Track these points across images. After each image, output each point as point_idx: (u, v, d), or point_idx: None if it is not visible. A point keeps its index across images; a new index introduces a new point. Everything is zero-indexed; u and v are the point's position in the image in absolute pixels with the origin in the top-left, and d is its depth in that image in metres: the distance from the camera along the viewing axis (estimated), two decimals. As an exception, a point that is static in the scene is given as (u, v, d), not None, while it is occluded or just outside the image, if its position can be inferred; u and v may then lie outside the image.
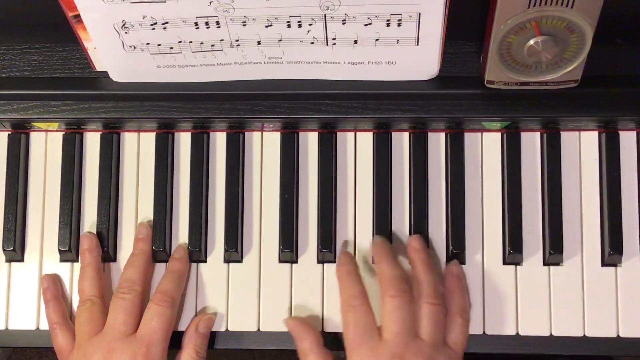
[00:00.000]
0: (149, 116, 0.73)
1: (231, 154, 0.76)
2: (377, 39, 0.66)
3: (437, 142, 0.76)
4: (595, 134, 0.75)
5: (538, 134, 0.75)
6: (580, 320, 0.73)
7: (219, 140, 0.77)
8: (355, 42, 0.67)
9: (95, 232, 0.76)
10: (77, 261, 0.76)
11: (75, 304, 0.75)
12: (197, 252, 0.75)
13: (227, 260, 0.75)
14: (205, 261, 0.75)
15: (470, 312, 0.72)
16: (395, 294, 0.67)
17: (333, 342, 0.73)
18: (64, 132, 0.77)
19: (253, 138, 0.77)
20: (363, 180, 0.76)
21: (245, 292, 0.75)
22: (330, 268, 0.74)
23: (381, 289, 0.69)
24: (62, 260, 0.76)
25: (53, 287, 0.75)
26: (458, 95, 0.71)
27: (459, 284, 0.72)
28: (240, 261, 0.75)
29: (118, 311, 0.71)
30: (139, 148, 0.77)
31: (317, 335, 0.71)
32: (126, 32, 0.66)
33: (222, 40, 0.67)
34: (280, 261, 0.75)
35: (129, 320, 0.70)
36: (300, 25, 0.65)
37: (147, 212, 0.76)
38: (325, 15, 0.64)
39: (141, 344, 0.69)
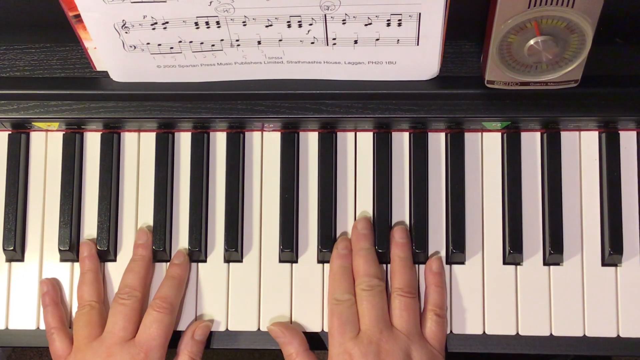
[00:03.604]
0: (149, 116, 0.73)
1: (231, 154, 0.76)
2: (378, 39, 0.66)
3: (437, 142, 0.76)
4: (595, 134, 0.75)
5: (538, 134, 0.75)
6: (580, 320, 0.73)
7: (219, 140, 0.77)
8: (356, 42, 0.67)
9: (95, 232, 0.76)
10: (77, 261, 0.76)
11: (74, 305, 0.75)
12: (197, 252, 0.75)
13: (227, 260, 0.75)
14: (205, 261, 0.76)
15: (447, 310, 0.73)
16: (366, 288, 0.70)
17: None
18: (64, 132, 0.77)
19: (253, 138, 0.77)
20: (363, 180, 0.76)
21: (245, 292, 0.75)
22: (330, 268, 0.74)
23: (355, 282, 0.72)
24: (62, 260, 0.76)
25: (52, 291, 0.75)
26: (458, 95, 0.71)
27: (436, 280, 0.72)
28: (241, 261, 0.75)
29: (118, 317, 0.71)
30: (139, 148, 0.77)
31: (302, 338, 0.72)
32: (126, 32, 0.66)
33: (222, 40, 0.67)
34: (281, 261, 0.75)
35: (129, 325, 0.71)
36: (300, 25, 0.65)
37: (148, 212, 0.76)
38: (325, 15, 0.64)
39: (140, 350, 0.69)
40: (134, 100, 0.73)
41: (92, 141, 0.77)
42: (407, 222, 0.75)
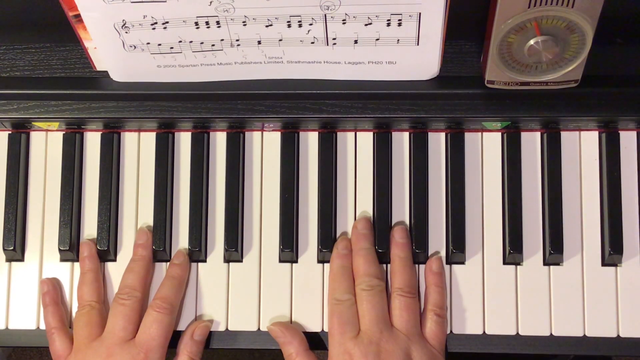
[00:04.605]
0: (149, 116, 0.73)
1: (231, 153, 0.76)
2: (378, 39, 0.66)
3: (437, 142, 0.76)
4: (596, 134, 0.75)
5: (538, 134, 0.75)
6: (580, 320, 0.73)
7: (219, 140, 0.77)
8: (356, 42, 0.67)
9: (95, 232, 0.76)
10: (77, 261, 0.76)
11: (74, 305, 0.75)
12: (197, 251, 0.75)
13: (227, 260, 0.75)
14: (205, 261, 0.76)
15: (447, 310, 0.73)
16: (366, 288, 0.70)
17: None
18: (64, 132, 0.77)
19: (253, 138, 0.77)
20: (363, 180, 0.76)
21: (245, 292, 0.75)
22: (330, 268, 0.74)
23: (355, 282, 0.72)
24: (62, 259, 0.76)
25: (52, 291, 0.75)
26: (458, 95, 0.71)
27: (436, 280, 0.72)
28: (241, 261, 0.75)
29: (118, 317, 0.71)
30: (139, 148, 0.77)
31: (302, 338, 0.72)
32: (126, 32, 0.66)
33: (222, 40, 0.67)
34: (281, 261, 0.75)
35: (129, 326, 0.71)
36: (300, 25, 0.65)
37: (148, 211, 0.76)
38: (325, 15, 0.64)
39: (140, 350, 0.69)
40: (134, 100, 0.73)
41: (92, 141, 0.77)
42: (407, 222, 0.75)
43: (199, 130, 0.76)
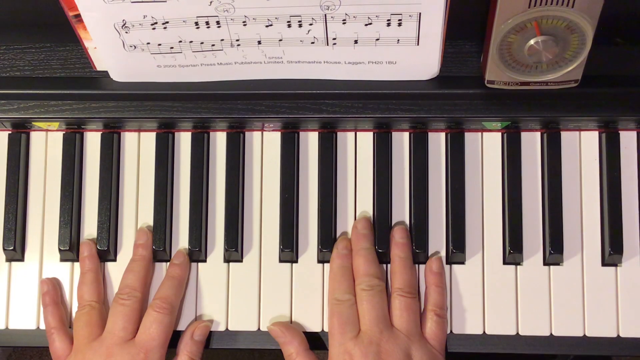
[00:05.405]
0: (149, 116, 0.73)
1: (231, 153, 0.76)
2: (378, 39, 0.66)
3: (437, 142, 0.76)
4: (596, 134, 0.75)
5: (538, 134, 0.75)
6: (580, 320, 0.73)
7: (219, 140, 0.77)
8: (356, 41, 0.67)
9: (95, 232, 0.76)
10: (77, 261, 0.76)
11: (74, 305, 0.75)
12: (197, 251, 0.75)
13: (227, 260, 0.75)
14: (205, 261, 0.76)
15: (447, 310, 0.73)
16: (366, 287, 0.70)
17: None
18: (64, 132, 0.77)
19: (253, 138, 0.77)
20: (363, 180, 0.76)
21: (245, 292, 0.75)
22: (330, 268, 0.74)
23: (355, 282, 0.72)
24: (62, 259, 0.76)
25: (52, 291, 0.75)
26: (458, 95, 0.71)
27: (436, 280, 0.72)
28: (241, 261, 0.75)
29: (118, 317, 0.71)
30: (139, 148, 0.77)
31: (303, 338, 0.72)
32: (126, 32, 0.66)
33: (222, 40, 0.67)
34: (281, 261, 0.75)
35: (128, 326, 0.71)
36: (300, 25, 0.65)
37: (148, 211, 0.76)
38: (325, 15, 0.64)
39: (139, 350, 0.69)
40: (134, 100, 0.73)
41: (92, 141, 0.77)
42: (407, 222, 0.75)
43: (199, 130, 0.76)
